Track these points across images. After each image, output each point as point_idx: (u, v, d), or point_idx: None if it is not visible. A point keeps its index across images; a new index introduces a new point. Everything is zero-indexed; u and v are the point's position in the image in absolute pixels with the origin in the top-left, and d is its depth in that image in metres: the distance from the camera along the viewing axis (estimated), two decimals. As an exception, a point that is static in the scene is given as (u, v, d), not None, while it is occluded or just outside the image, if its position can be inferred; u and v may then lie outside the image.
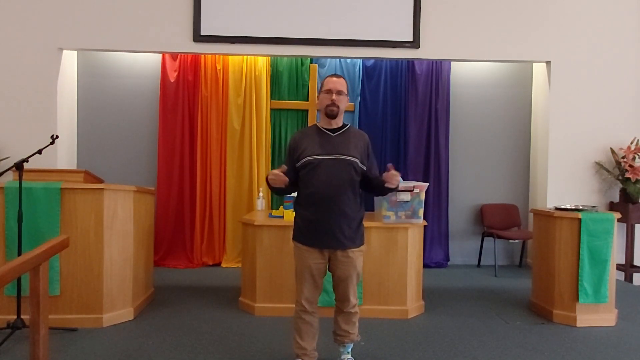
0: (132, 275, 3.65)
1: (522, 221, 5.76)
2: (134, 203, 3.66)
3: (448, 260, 5.78)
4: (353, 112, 5.68)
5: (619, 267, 5.05)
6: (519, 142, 5.88)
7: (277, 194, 2.99)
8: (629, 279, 5.25)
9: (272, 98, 5.68)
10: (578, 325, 3.65)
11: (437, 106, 5.69)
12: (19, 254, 3.16)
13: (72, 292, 3.41)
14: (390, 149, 5.72)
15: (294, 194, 2.85)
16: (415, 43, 5.07)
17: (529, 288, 4.22)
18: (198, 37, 4.99)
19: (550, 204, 4.98)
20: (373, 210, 4.14)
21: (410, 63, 5.68)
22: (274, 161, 5.72)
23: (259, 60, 5.60)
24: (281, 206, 4.07)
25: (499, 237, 5.37)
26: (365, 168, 2.71)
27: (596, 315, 3.69)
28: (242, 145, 5.60)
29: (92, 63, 5.54)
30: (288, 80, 5.72)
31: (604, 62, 5.27)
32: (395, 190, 2.81)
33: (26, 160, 3.20)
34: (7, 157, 4.77)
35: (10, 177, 4.07)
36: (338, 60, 5.70)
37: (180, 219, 5.56)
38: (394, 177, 2.58)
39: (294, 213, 2.78)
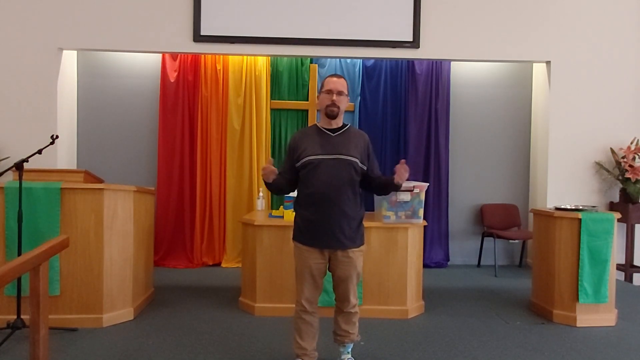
0: (132, 275, 3.65)
1: (522, 221, 5.76)
2: (134, 203, 3.67)
3: (448, 260, 5.78)
4: (353, 112, 5.68)
5: (619, 267, 5.05)
6: (519, 142, 5.88)
7: (276, 193, 2.99)
8: (629, 279, 5.25)
9: (272, 98, 5.68)
10: (578, 325, 3.65)
11: (437, 106, 5.68)
12: (19, 254, 3.16)
13: (72, 292, 3.41)
14: (390, 149, 5.71)
15: (294, 194, 2.85)
16: (415, 43, 5.07)
17: (529, 288, 4.22)
18: (198, 37, 4.99)
19: (550, 204, 4.98)
20: (373, 210, 4.13)
21: (410, 63, 5.68)
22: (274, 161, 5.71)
23: (259, 60, 5.60)
24: (281, 206, 4.07)
25: (499, 237, 5.37)
26: (365, 168, 2.71)
27: (596, 315, 3.69)
28: (242, 145, 5.60)
29: (92, 63, 5.54)
30: (288, 80, 5.71)
31: (604, 62, 5.27)
32: (396, 189, 2.81)
33: (26, 160, 3.20)
34: (7, 157, 4.77)
35: (10, 177, 4.06)
36: (338, 60, 5.70)
37: (180, 219, 5.56)
38: (404, 172, 2.59)
39: (294, 213, 2.78)
